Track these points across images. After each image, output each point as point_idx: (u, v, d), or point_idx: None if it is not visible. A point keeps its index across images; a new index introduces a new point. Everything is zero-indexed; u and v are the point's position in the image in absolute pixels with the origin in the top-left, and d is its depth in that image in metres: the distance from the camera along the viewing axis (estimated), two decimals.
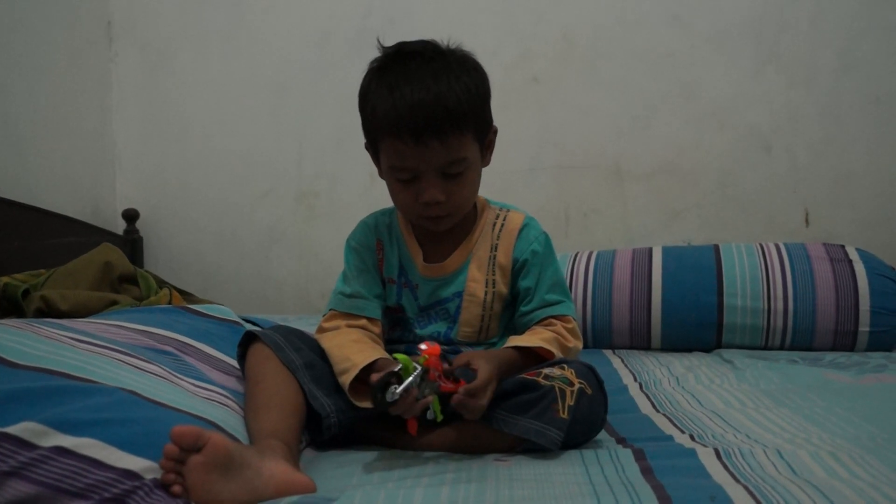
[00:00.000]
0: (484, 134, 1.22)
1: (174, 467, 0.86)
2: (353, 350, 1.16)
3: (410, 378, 1.00)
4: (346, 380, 1.12)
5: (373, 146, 1.23)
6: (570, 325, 1.24)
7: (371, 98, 1.18)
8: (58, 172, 2.34)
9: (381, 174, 1.25)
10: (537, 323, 1.24)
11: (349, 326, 1.24)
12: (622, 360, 1.82)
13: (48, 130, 2.30)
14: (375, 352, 1.16)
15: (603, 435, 1.17)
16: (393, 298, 1.29)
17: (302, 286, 2.65)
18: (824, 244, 1.99)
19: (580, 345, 1.25)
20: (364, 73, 1.23)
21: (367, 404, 1.10)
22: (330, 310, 1.28)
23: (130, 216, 2.60)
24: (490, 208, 1.31)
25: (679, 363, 1.74)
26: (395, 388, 0.99)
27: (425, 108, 1.11)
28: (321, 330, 1.26)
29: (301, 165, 2.63)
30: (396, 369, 1.01)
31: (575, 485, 0.93)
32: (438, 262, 1.27)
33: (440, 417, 1.06)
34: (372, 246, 1.30)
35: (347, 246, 1.31)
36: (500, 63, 2.42)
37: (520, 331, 1.26)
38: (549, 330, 1.22)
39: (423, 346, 1.05)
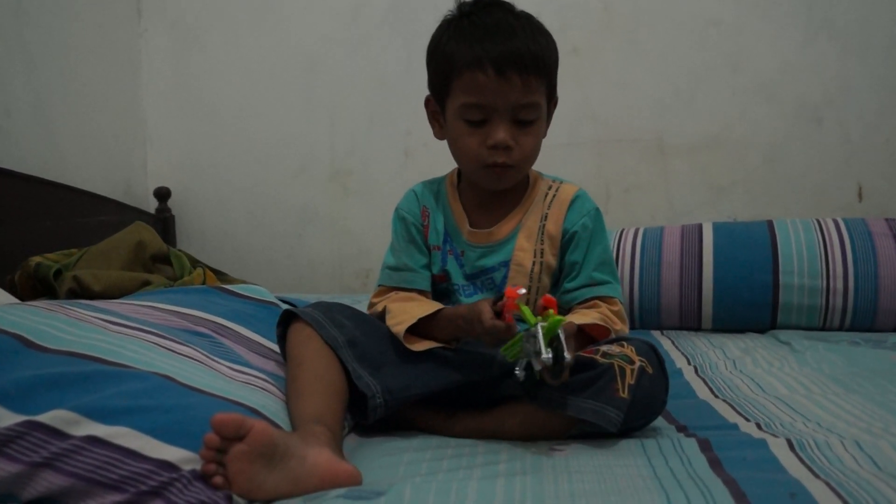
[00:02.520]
0: (551, 96, 1.20)
1: (215, 457, 0.81)
2: (411, 306, 1.16)
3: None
4: (400, 329, 1.11)
5: (442, 92, 1.19)
6: (615, 308, 1.18)
7: (449, 41, 1.17)
8: (89, 151, 2.31)
9: (439, 132, 1.23)
10: (580, 303, 1.19)
11: None
12: (672, 342, 1.75)
13: (79, 108, 2.26)
14: (433, 305, 1.15)
15: (662, 423, 1.11)
16: (438, 265, 1.25)
17: (335, 265, 2.60)
18: (886, 219, 1.90)
19: (626, 329, 1.19)
20: (437, 27, 1.22)
21: (421, 347, 1.11)
22: (379, 285, 1.26)
23: (162, 195, 2.56)
24: (542, 179, 1.27)
25: (733, 345, 1.67)
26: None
27: (512, 44, 1.11)
28: (371, 306, 1.24)
29: (333, 143, 2.58)
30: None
31: (639, 478, 0.87)
32: (485, 229, 1.22)
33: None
34: (417, 212, 1.27)
35: (395, 215, 1.29)
36: None
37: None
38: (595, 311, 1.16)
39: (519, 291, 1.01)
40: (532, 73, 1.12)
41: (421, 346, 1.12)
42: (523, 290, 1.01)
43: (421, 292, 1.23)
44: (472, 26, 1.14)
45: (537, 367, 0.96)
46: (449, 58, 1.15)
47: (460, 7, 1.20)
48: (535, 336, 0.96)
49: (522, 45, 1.11)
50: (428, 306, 1.15)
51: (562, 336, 0.95)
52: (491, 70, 1.11)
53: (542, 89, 1.15)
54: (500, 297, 1.04)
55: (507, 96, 1.12)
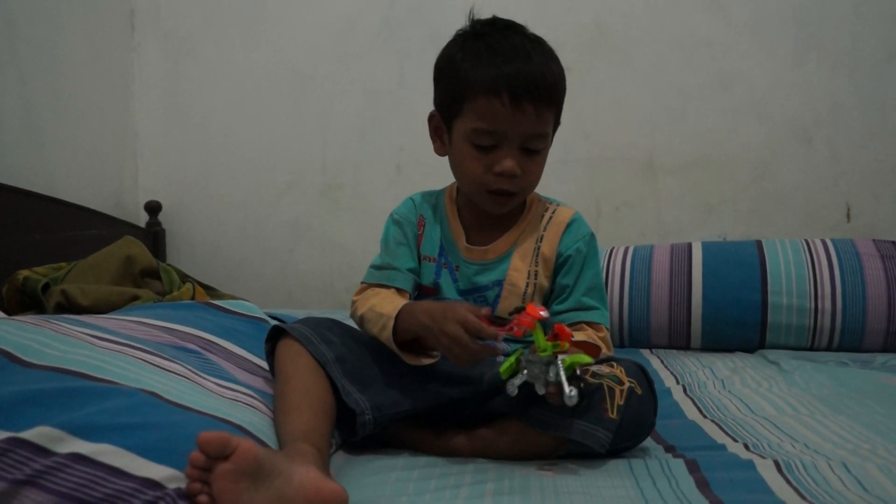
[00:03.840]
0: (557, 123, 1.20)
1: (200, 476, 0.80)
2: (381, 305, 1.14)
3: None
4: (387, 336, 1.09)
5: (451, 112, 1.18)
6: (601, 334, 1.18)
7: (464, 60, 1.15)
8: (79, 164, 2.30)
9: (441, 149, 1.23)
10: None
11: None
12: (661, 361, 1.75)
13: (70, 121, 2.26)
14: (399, 299, 1.14)
15: (650, 443, 1.11)
16: (430, 277, 1.24)
17: (327, 280, 2.59)
18: (874, 240, 1.91)
19: (611, 355, 1.18)
20: (449, 42, 1.21)
21: (417, 362, 1.09)
22: (361, 283, 1.25)
23: (153, 208, 2.55)
24: (539, 201, 1.27)
25: (722, 364, 1.67)
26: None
27: (529, 73, 1.11)
28: (352, 304, 1.23)
29: (325, 157, 2.58)
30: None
31: (626, 499, 0.87)
32: (481, 246, 1.23)
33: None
34: (413, 221, 1.27)
35: (389, 219, 1.28)
36: None
37: (548, 331, 1.19)
38: (582, 334, 1.16)
39: (542, 314, 0.98)
40: (545, 104, 1.12)
41: (416, 360, 1.11)
42: (545, 313, 0.98)
43: (399, 291, 1.21)
44: (488, 49, 1.13)
45: (541, 391, 0.96)
46: (463, 79, 1.14)
47: (474, 25, 1.19)
48: (547, 364, 0.96)
49: (538, 75, 1.11)
50: (397, 300, 1.14)
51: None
52: (507, 98, 1.10)
53: (551, 118, 1.16)
54: (497, 319, 1.03)
55: (519, 126, 1.12)
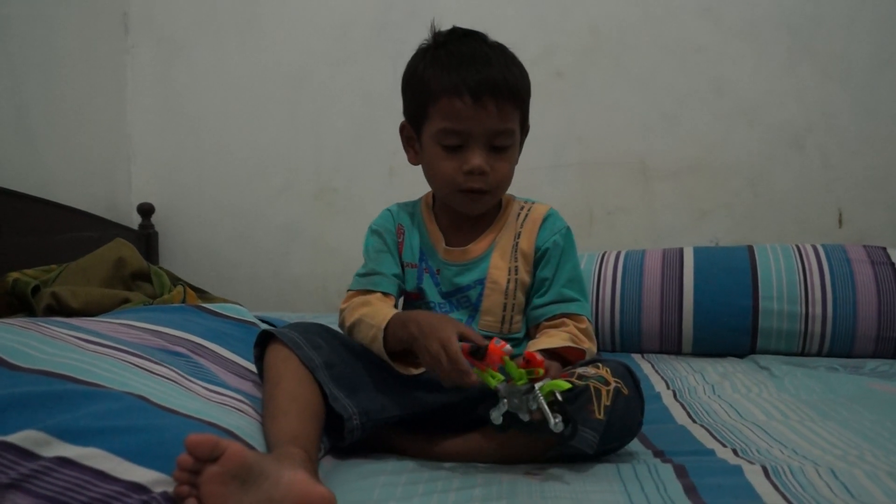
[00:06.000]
0: (524, 124, 1.23)
1: (188, 479, 0.80)
2: (370, 316, 1.14)
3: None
4: (379, 347, 1.10)
5: (418, 118, 1.21)
6: (583, 326, 1.19)
7: (426, 68, 1.20)
8: (72, 165, 2.30)
9: (414, 158, 1.25)
10: (548, 321, 1.20)
11: None
12: (652, 366, 1.75)
13: (63, 123, 2.26)
14: (389, 308, 1.15)
15: (639, 447, 1.11)
16: (413, 283, 1.26)
17: (319, 284, 2.59)
18: (864, 246, 1.91)
19: (594, 348, 1.20)
20: (412, 56, 1.25)
21: (407, 371, 1.10)
22: (347, 291, 1.26)
23: (145, 210, 2.55)
24: (515, 201, 1.30)
25: (713, 369, 1.67)
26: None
27: (487, 73, 1.14)
28: (340, 312, 1.24)
29: (319, 160, 2.58)
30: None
31: None
32: (460, 248, 1.24)
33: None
34: (392, 230, 1.28)
35: (369, 230, 1.30)
36: (524, 57, 2.25)
37: (531, 325, 1.22)
38: (563, 331, 1.17)
39: (505, 349, 0.97)
40: (507, 101, 1.15)
41: (406, 369, 1.11)
42: (508, 347, 0.98)
43: (385, 295, 1.23)
44: (448, 55, 1.18)
45: (525, 418, 0.96)
46: (426, 84, 1.18)
47: (435, 37, 1.23)
48: (526, 393, 0.95)
49: (498, 74, 1.14)
50: (386, 310, 1.14)
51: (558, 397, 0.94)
52: (468, 97, 1.13)
53: (516, 117, 1.19)
54: (478, 351, 1.02)
55: (483, 123, 1.15)
